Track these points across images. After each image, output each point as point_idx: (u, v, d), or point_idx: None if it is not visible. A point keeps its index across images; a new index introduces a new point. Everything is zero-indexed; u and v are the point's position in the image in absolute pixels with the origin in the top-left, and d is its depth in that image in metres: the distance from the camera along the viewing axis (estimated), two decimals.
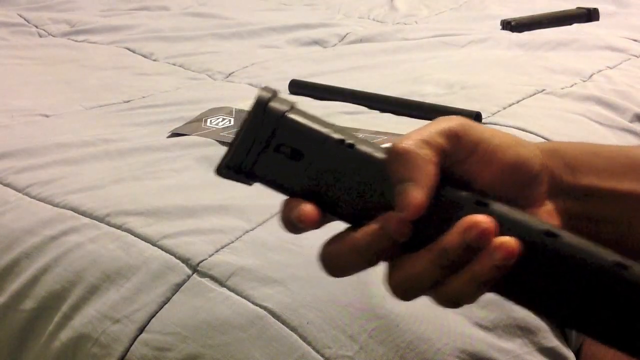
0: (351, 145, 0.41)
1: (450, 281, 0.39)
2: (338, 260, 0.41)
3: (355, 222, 0.42)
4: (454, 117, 0.43)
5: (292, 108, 0.42)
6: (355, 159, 0.41)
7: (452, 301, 0.40)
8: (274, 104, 0.42)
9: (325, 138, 0.41)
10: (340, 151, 0.41)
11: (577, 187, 0.44)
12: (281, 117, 0.41)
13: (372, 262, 0.41)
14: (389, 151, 0.41)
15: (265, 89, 0.42)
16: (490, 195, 0.41)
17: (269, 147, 0.41)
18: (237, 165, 0.42)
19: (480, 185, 0.42)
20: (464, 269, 0.39)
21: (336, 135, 0.41)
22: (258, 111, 0.41)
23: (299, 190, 0.42)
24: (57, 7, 1.76)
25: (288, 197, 0.43)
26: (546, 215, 0.43)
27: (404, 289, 0.41)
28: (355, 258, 0.41)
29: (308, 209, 0.41)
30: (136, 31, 1.53)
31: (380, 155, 0.41)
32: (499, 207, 0.40)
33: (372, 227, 0.40)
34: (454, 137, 0.41)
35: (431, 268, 0.39)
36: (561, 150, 0.45)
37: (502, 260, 0.38)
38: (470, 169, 0.42)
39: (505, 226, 0.39)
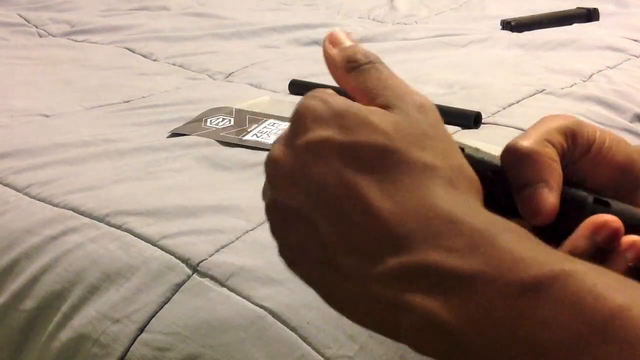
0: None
1: None
2: None
3: None
4: (562, 115, 0.40)
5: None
6: None
7: None
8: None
9: None
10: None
11: None
12: None
13: None
14: (507, 152, 0.38)
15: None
16: (607, 194, 0.39)
17: None
18: None
19: (591, 186, 0.40)
20: None
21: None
22: None
23: None
24: (57, 7, 1.75)
25: None
26: None
27: None
28: None
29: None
30: (136, 31, 1.53)
31: (492, 160, 0.38)
32: (620, 205, 0.38)
33: None
34: (570, 136, 0.39)
35: None
36: None
37: (635, 260, 0.36)
38: (583, 169, 0.40)
39: (628, 224, 0.37)
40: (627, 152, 0.41)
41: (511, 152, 0.38)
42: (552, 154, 0.38)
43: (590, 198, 0.38)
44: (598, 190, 0.40)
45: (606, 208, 0.38)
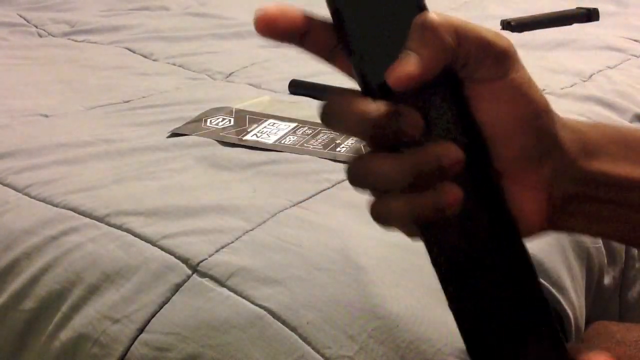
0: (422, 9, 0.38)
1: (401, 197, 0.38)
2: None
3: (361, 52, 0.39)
4: (505, 36, 0.40)
5: None
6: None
7: (383, 218, 0.39)
8: None
9: None
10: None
11: (588, 172, 0.41)
12: None
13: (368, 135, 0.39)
14: (417, 17, 0.38)
15: None
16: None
17: None
18: None
19: (483, 119, 0.40)
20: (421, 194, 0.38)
21: None
22: None
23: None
24: (57, 7, 1.75)
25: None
26: (534, 202, 0.41)
27: (357, 179, 0.39)
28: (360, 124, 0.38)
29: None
30: (136, 31, 1.53)
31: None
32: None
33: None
34: (488, 54, 0.39)
35: (399, 174, 0.38)
36: (584, 134, 0.42)
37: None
38: (484, 95, 0.39)
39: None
40: (539, 112, 0.40)
41: (418, 18, 0.38)
42: (446, 41, 0.37)
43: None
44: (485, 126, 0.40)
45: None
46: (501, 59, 0.39)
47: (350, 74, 0.41)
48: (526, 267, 0.41)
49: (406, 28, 0.39)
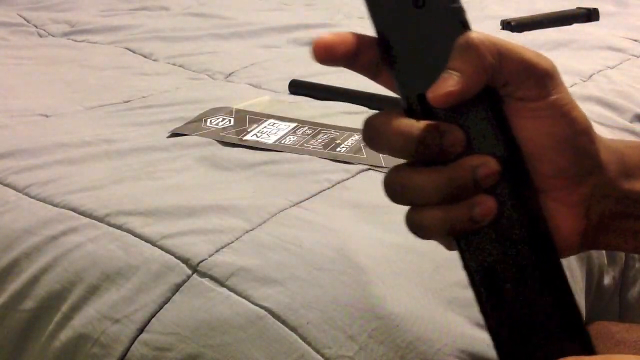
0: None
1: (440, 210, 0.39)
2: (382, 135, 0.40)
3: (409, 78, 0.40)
4: (548, 58, 0.41)
5: None
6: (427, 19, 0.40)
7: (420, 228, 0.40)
8: None
9: (455, 10, 0.40)
10: (456, 29, 0.40)
11: (627, 191, 0.42)
12: None
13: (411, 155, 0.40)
14: (461, 36, 0.40)
15: None
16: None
17: None
18: None
19: (523, 136, 0.40)
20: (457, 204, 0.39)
21: (464, 15, 0.40)
22: None
23: (393, 34, 0.40)
24: (57, 7, 1.75)
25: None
26: (572, 217, 0.42)
27: (394, 194, 0.40)
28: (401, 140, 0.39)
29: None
30: (136, 31, 1.53)
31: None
32: None
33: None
34: (530, 74, 0.40)
35: (434, 186, 0.39)
36: (627, 156, 0.43)
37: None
38: (524, 113, 0.40)
39: None
40: (579, 134, 0.40)
41: (461, 37, 0.40)
42: (488, 60, 0.39)
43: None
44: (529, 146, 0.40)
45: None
46: (543, 81, 0.40)
47: (394, 90, 0.42)
48: (560, 279, 0.42)
49: (449, 47, 0.39)
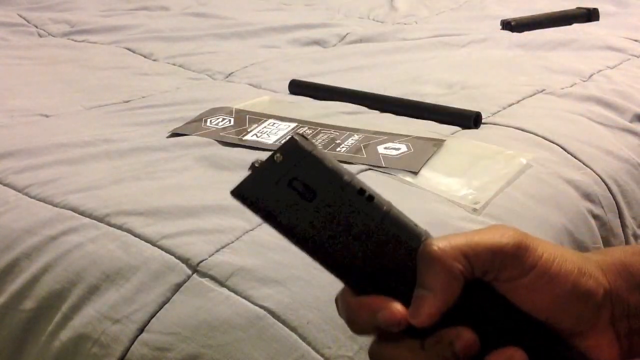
0: (371, 198, 0.39)
1: None
2: None
3: (355, 282, 0.41)
4: (510, 230, 0.40)
5: (317, 149, 0.40)
6: (376, 216, 0.39)
7: None
8: (302, 143, 0.40)
9: (346, 184, 0.39)
10: (358, 201, 0.39)
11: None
12: (305, 153, 0.39)
13: None
14: (422, 248, 0.39)
15: (300, 135, 0.41)
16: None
17: (282, 180, 0.39)
18: (248, 193, 0.41)
19: (529, 308, 0.40)
20: None
21: (356, 184, 0.39)
22: (286, 146, 0.40)
23: (299, 233, 0.40)
24: (57, 7, 1.75)
25: (356, 296, 0.41)
26: (607, 344, 0.42)
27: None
28: None
29: (399, 310, 0.39)
30: (136, 31, 1.53)
31: (409, 235, 0.40)
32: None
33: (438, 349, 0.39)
34: (503, 259, 0.39)
35: None
36: (631, 266, 0.42)
37: None
38: (518, 290, 0.40)
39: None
40: (578, 282, 0.40)
41: (423, 250, 0.39)
42: (457, 270, 0.39)
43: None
44: (531, 314, 0.40)
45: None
46: (517, 260, 0.40)
47: None
48: None
49: (368, 227, 0.39)
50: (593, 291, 0.41)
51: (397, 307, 0.39)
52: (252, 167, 0.40)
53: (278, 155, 0.39)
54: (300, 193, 0.39)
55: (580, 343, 0.41)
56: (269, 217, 0.40)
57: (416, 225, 0.40)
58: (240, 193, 0.40)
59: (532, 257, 0.40)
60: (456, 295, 0.39)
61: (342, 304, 0.41)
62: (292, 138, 0.39)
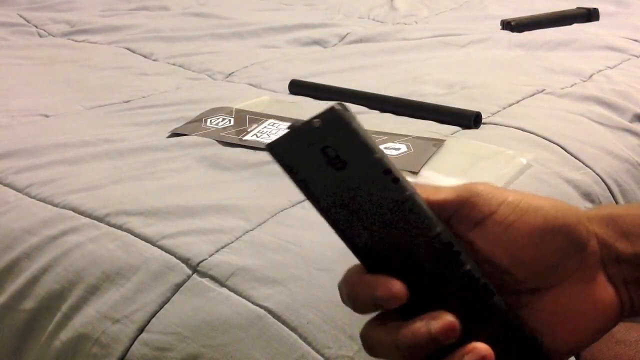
0: (396, 180, 0.40)
1: None
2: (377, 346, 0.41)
3: (367, 259, 0.41)
4: (456, 186, 0.41)
5: (355, 121, 0.40)
6: (397, 198, 0.40)
7: None
8: (343, 114, 0.40)
9: (375, 161, 0.40)
10: (383, 180, 0.40)
11: (634, 255, 0.41)
12: (343, 123, 0.40)
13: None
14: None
15: (341, 105, 0.41)
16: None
17: (316, 145, 0.40)
18: (280, 150, 0.41)
19: (503, 252, 0.40)
20: None
21: (385, 164, 0.40)
22: (326, 114, 0.40)
23: (324, 200, 0.41)
24: (57, 7, 1.76)
25: (354, 272, 0.41)
26: (600, 286, 0.41)
27: (369, 351, 0.41)
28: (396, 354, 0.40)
29: (398, 286, 0.39)
30: (136, 31, 1.53)
31: (425, 223, 0.40)
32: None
33: (418, 327, 0.39)
34: (457, 209, 0.41)
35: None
36: (618, 217, 0.42)
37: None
38: (487, 236, 0.40)
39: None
40: (556, 215, 0.40)
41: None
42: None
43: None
44: (510, 259, 0.40)
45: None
46: (472, 207, 0.40)
47: None
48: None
49: (383, 201, 0.40)
50: (572, 225, 0.41)
51: (396, 284, 0.39)
52: (290, 126, 0.40)
53: (317, 120, 0.39)
54: (331, 160, 0.40)
55: (573, 287, 0.41)
56: (297, 177, 0.41)
57: (436, 217, 0.41)
58: (274, 148, 0.40)
59: (490, 202, 0.40)
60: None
61: (346, 283, 0.41)
62: (332, 107, 0.39)
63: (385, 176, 0.40)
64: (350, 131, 0.39)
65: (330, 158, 0.40)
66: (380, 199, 0.40)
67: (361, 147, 0.39)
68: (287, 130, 0.40)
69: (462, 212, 0.41)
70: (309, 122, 0.39)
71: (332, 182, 0.40)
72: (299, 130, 0.40)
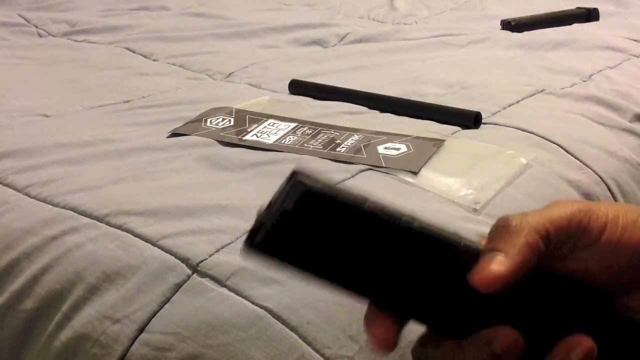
0: (395, 220, 0.36)
1: None
2: None
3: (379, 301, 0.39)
4: (573, 202, 0.38)
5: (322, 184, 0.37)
6: (405, 235, 0.36)
7: None
8: (307, 181, 0.37)
9: (367, 212, 0.36)
10: (384, 226, 0.36)
11: None
12: (313, 194, 0.36)
13: None
14: (496, 222, 0.37)
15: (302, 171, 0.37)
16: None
17: (298, 229, 0.36)
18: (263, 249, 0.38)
19: (598, 278, 0.38)
20: None
21: (378, 210, 0.36)
22: (291, 184, 0.37)
23: (326, 270, 0.37)
24: (57, 7, 1.75)
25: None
26: None
27: None
28: None
29: (510, 332, 0.36)
30: (136, 31, 1.53)
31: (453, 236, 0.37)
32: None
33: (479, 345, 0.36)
34: (577, 227, 0.37)
35: None
36: None
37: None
38: (589, 259, 0.38)
39: None
40: None
41: (498, 223, 0.37)
42: (533, 239, 0.36)
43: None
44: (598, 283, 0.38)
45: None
46: (584, 227, 0.38)
47: None
48: None
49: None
50: None
51: (507, 330, 0.36)
52: (258, 219, 0.37)
53: (286, 203, 0.36)
54: (319, 236, 0.36)
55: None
56: (298, 262, 0.37)
57: (459, 237, 0.38)
58: (255, 249, 0.37)
59: (596, 222, 0.38)
60: (531, 264, 0.36)
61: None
62: (296, 182, 0.36)
63: (385, 221, 0.36)
64: (325, 199, 0.36)
65: (316, 234, 0.36)
66: (387, 241, 0.36)
67: (345, 208, 0.36)
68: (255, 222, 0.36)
69: (576, 234, 0.38)
70: (278, 210, 0.36)
71: (333, 252, 0.37)
72: (272, 223, 0.36)
